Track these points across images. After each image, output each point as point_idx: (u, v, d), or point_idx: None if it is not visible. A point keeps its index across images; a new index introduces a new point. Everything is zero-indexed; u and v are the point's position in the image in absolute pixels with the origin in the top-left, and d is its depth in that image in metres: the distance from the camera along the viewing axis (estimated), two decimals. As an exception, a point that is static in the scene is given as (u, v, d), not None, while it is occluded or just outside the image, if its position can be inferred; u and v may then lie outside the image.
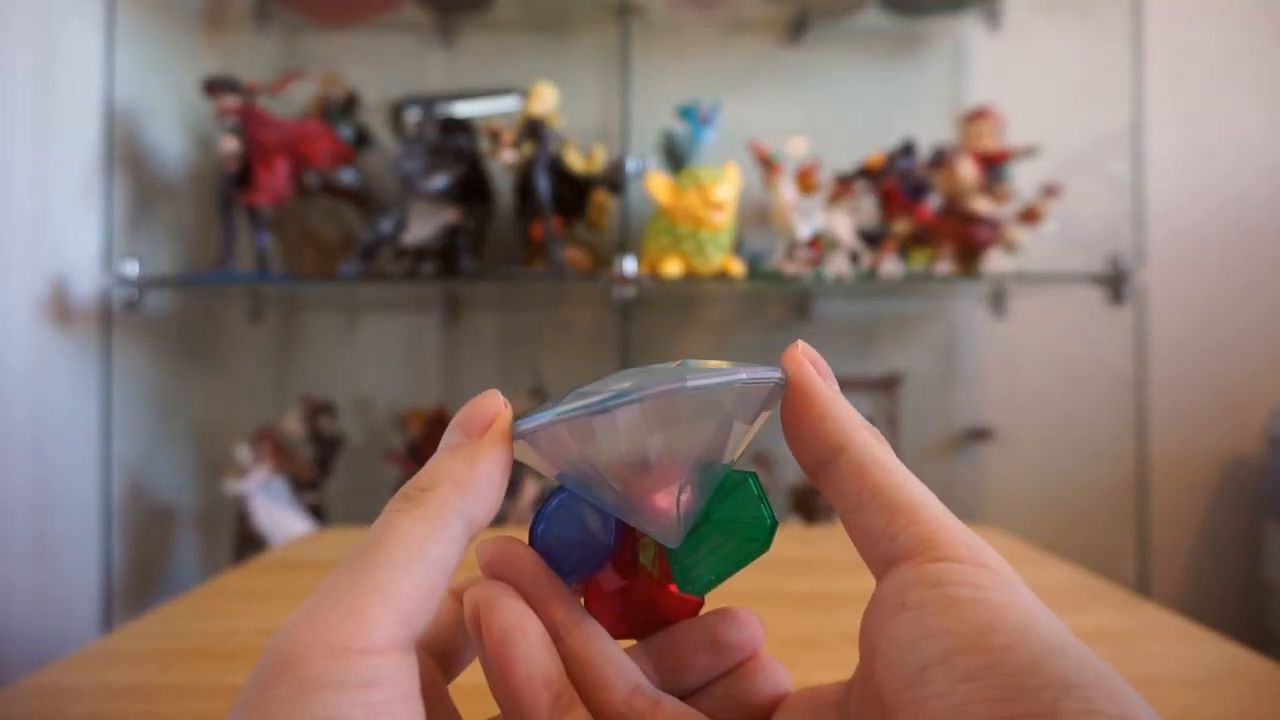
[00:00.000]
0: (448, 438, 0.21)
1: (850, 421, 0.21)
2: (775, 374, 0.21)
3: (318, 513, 1.11)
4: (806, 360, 0.22)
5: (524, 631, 0.20)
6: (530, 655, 0.20)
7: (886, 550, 0.18)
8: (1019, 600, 0.16)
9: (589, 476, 0.21)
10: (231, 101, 1.00)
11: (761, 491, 0.22)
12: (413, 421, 1.13)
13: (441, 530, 0.18)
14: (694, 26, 1.24)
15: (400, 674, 0.16)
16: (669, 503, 0.21)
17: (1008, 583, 0.17)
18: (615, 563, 0.23)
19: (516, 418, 0.21)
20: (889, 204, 1.08)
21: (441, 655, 0.22)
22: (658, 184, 0.99)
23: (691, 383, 0.19)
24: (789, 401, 0.22)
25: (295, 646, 0.16)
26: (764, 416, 0.22)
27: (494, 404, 0.21)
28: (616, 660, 0.21)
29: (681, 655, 0.23)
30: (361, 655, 0.16)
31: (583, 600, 0.23)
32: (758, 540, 0.21)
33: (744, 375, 0.20)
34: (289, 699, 0.15)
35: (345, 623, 0.16)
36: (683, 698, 0.23)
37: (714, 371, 0.20)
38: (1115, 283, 1.08)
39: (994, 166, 1.06)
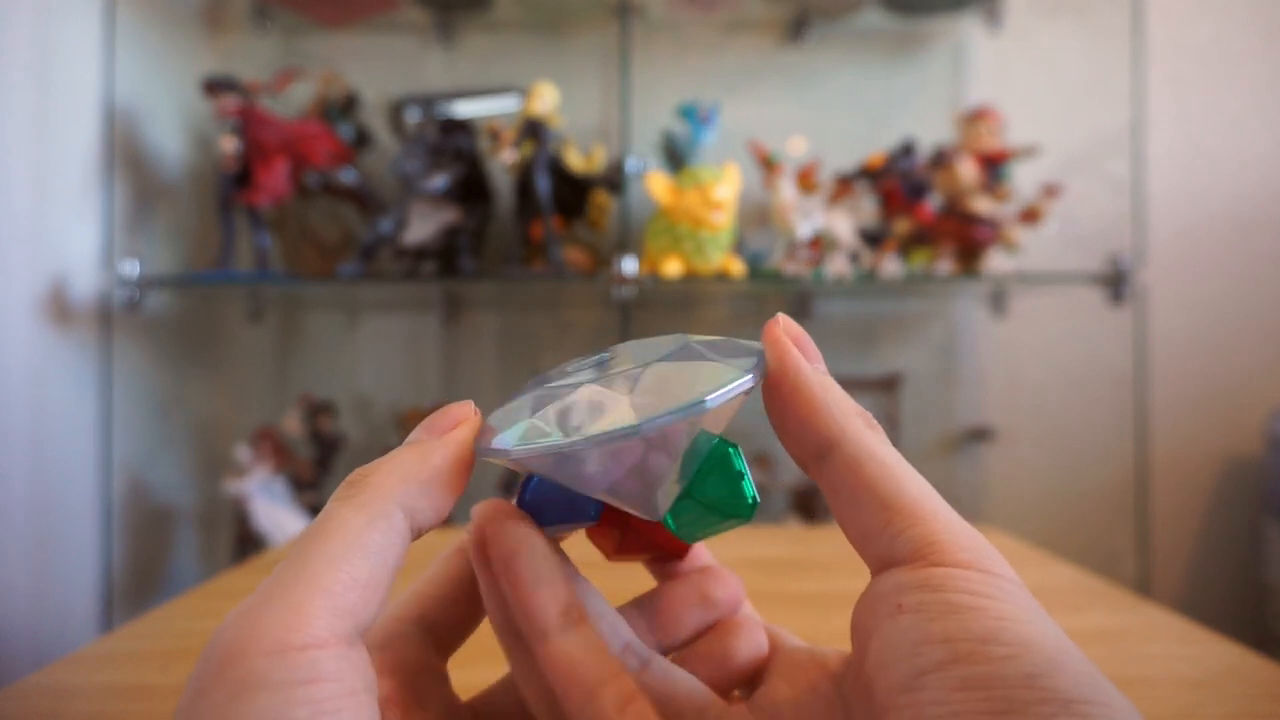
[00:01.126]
0: (411, 436, 0.21)
1: (843, 410, 0.19)
2: (748, 380, 0.19)
3: (318, 513, 1.10)
4: (789, 341, 0.20)
5: (531, 545, 0.19)
6: (538, 565, 0.19)
7: (886, 550, 0.18)
8: (1022, 611, 0.16)
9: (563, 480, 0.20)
10: (231, 101, 1.00)
11: (743, 467, 0.21)
12: (412, 421, 1.13)
13: (381, 519, 0.18)
14: (694, 26, 1.24)
15: (344, 668, 0.15)
16: (647, 494, 0.20)
17: (1012, 591, 0.16)
18: (608, 511, 0.23)
19: (485, 432, 0.21)
20: (889, 204, 1.08)
21: (437, 626, 0.22)
22: (658, 184, 0.99)
23: (647, 425, 0.18)
24: (773, 391, 0.20)
25: (231, 647, 0.15)
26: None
27: (463, 410, 0.21)
28: (608, 617, 0.21)
29: (673, 611, 0.23)
30: (300, 651, 0.15)
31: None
32: (740, 516, 0.21)
33: (710, 398, 0.18)
34: (227, 702, 0.14)
35: (282, 618, 0.15)
36: (672, 657, 0.23)
37: (677, 388, 0.19)
38: (1115, 282, 1.08)
39: (994, 166, 1.06)
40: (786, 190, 1.04)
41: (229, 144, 1.00)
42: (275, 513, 1.04)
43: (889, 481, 0.18)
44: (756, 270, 1.06)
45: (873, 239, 1.08)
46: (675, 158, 1.05)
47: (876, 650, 0.17)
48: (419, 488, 0.19)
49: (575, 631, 0.19)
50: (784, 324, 0.21)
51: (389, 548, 0.18)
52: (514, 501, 0.22)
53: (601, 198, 1.09)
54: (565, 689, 0.18)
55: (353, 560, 0.17)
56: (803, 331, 0.21)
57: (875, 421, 0.20)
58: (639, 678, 0.21)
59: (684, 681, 0.21)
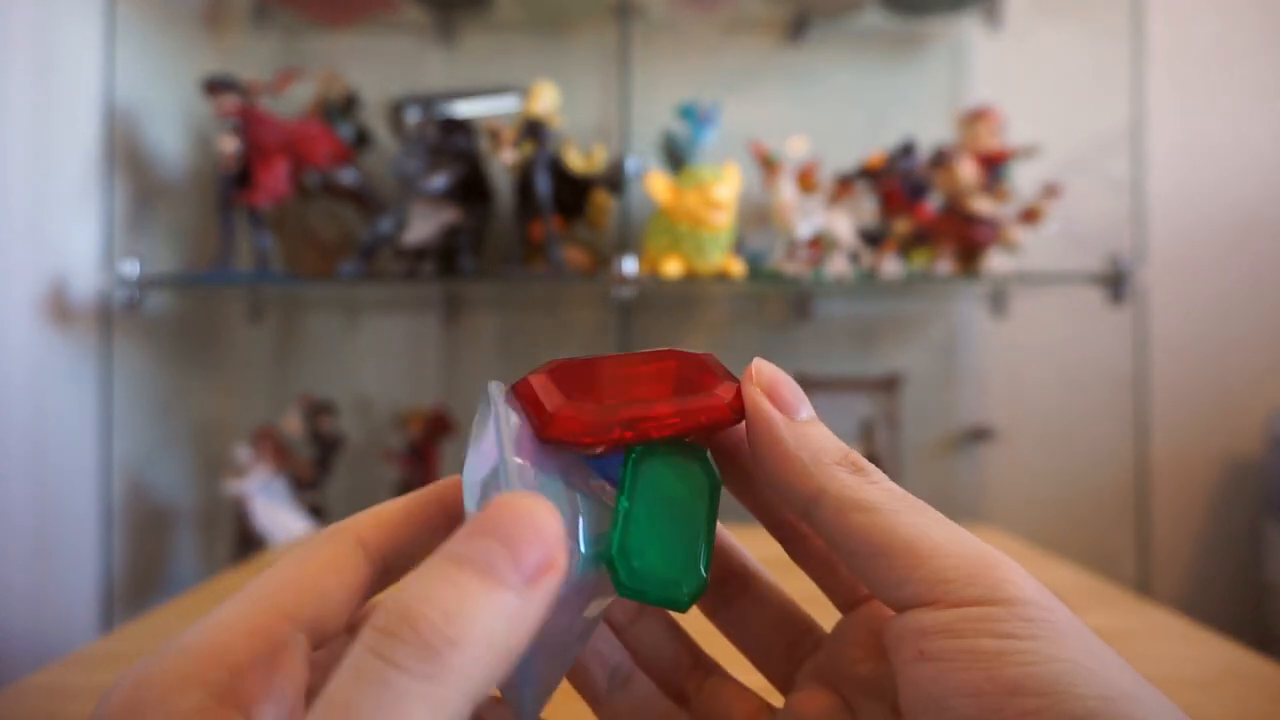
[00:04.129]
0: (481, 551, 0.14)
1: (819, 461, 0.18)
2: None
3: (318, 513, 1.11)
4: (760, 395, 0.19)
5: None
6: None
7: (895, 597, 0.17)
8: (1050, 648, 0.15)
9: None
10: (231, 101, 1.00)
11: (620, 559, 0.18)
12: (412, 421, 1.13)
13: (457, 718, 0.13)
14: (694, 26, 1.24)
15: None
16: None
17: (1040, 624, 0.15)
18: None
19: None
20: (889, 204, 1.08)
21: (322, 631, 0.18)
22: (658, 184, 0.99)
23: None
24: (752, 449, 0.19)
25: None
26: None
27: (556, 544, 0.15)
28: (667, 656, 0.23)
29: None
30: None
31: None
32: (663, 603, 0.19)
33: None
34: None
35: None
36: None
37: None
38: (1115, 282, 1.08)
39: (994, 166, 1.06)
40: (786, 190, 1.04)
41: (229, 144, 1.00)
42: (275, 513, 1.04)
43: (878, 530, 0.17)
44: (756, 270, 1.06)
45: (873, 239, 1.08)
46: (675, 158, 1.05)
47: (906, 693, 0.16)
48: (502, 667, 0.14)
49: (622, 693, 0.21)
50: (757, 374, 0.19)
51: None
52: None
53: (601, 198, 1.09)
54: None
55: None
56: (779, 378, 0.19)
57: (862, 461, 0.18)
58: (696, 703, 0.22)
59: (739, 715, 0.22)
